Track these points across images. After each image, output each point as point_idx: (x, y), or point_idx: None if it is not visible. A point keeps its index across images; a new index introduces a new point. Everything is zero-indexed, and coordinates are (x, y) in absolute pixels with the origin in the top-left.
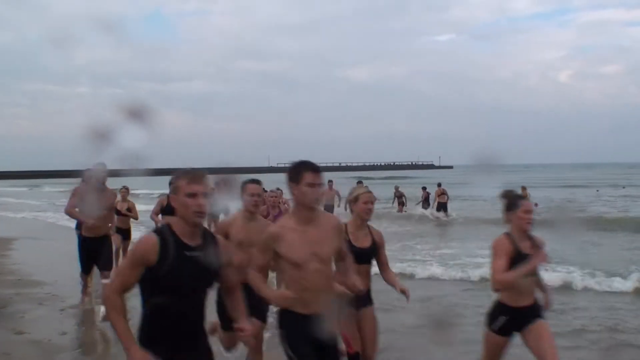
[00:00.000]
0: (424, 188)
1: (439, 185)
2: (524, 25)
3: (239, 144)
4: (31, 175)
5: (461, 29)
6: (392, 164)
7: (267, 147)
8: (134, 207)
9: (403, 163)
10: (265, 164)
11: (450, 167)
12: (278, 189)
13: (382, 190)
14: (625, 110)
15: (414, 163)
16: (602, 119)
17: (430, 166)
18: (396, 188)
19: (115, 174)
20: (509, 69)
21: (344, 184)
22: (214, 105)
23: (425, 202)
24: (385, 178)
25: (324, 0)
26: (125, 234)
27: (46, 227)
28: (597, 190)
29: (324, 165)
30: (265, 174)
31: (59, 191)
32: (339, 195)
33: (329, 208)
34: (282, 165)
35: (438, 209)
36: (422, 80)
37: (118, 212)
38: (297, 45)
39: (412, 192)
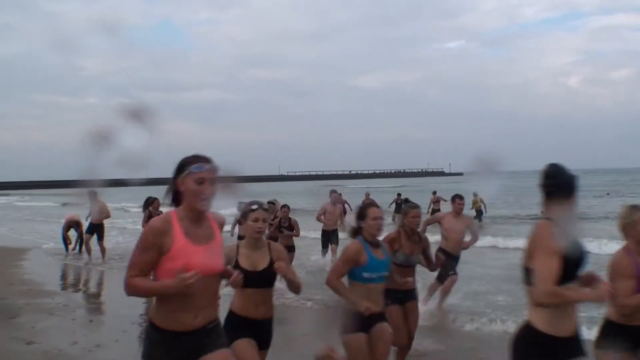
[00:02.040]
0: (399, 196)
1: (434, 193)
2: (534, 31)
3: (249, 152)
4: (40, 186)
5: (471, 35)
6: (402, 171)
7: (278, 156)
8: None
9: (413, 170)
10: (276, 173)
11: (461, 174)
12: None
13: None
14: (636, 115)
15: (424, 170)
16: (612, 125)
17: (441, 173)
18: (366, 195)
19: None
20: (519, 75)
21: (355, 193)
22: (225, 113)
23: None
24: (397, 186)
25: (334, 8)
26: None
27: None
28: (608, 194)
29: (335, 173)
30: (276, 182)
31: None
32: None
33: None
34: (293, 174)
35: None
36: (432, 87)
37: None
38: (307, 53)
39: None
